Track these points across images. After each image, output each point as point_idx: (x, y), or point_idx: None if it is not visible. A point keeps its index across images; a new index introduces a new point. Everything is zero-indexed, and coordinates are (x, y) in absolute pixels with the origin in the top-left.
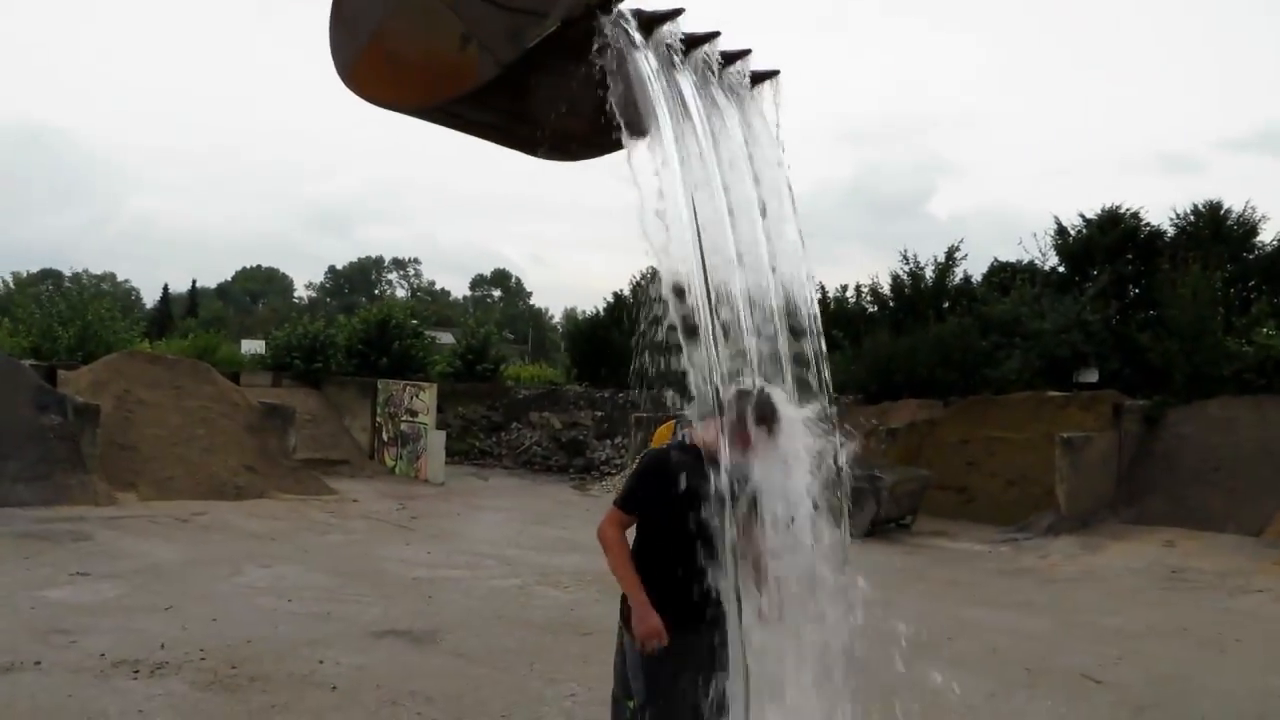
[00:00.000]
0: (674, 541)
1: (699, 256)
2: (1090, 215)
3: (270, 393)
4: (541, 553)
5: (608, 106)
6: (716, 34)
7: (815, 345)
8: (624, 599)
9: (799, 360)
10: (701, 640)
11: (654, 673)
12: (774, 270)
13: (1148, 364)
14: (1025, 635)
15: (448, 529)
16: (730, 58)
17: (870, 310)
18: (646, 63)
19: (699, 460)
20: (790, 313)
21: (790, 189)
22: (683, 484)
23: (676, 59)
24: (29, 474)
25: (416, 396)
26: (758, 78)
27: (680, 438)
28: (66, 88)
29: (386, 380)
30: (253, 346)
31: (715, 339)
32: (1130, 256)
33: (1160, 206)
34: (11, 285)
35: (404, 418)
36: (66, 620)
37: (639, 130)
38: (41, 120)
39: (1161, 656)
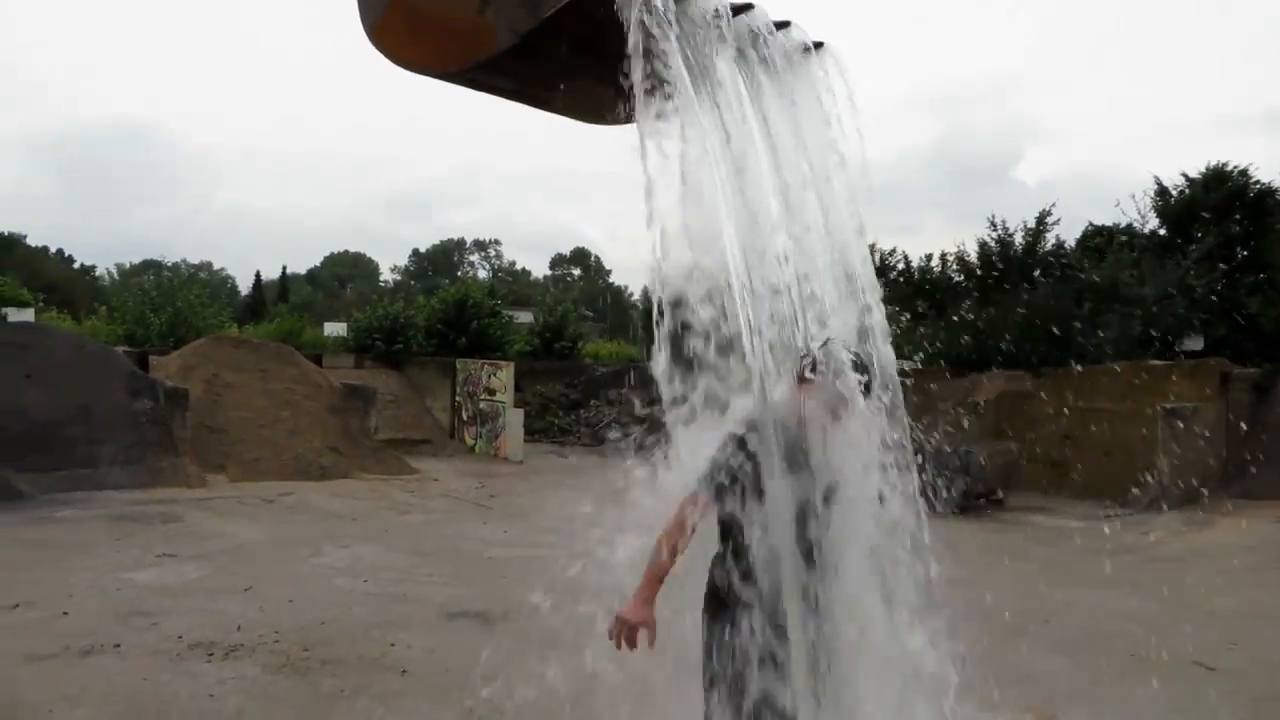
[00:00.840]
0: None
1: (733, 233)
2: (1194, 174)
3: (352, 374)
4: (620, 532)
5: (625, 78)
6: (750, 6)
7: (868, 312)
8: (706, 592)
9: (861, 335)
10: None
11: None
12: (827, 235)
13: (1258, 330)
14: (1129, 618)
15: (525, 507)
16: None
17: (956, 280)
18: (670, 36)
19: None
20: (848, 279)
21: (841, 156)
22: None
23: (710, 30)
24: (124, 457)
25: (494, 375)
26: (804, 49)
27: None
28: (157, 86)
29: (465, 360)
30: (335, 329)
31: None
32: (1238, 217)
33: (1268, 164)
34: (116, 276)
35: (482, 396)
36: (149, 602)
37: (660, 102)
38: (136, 117)
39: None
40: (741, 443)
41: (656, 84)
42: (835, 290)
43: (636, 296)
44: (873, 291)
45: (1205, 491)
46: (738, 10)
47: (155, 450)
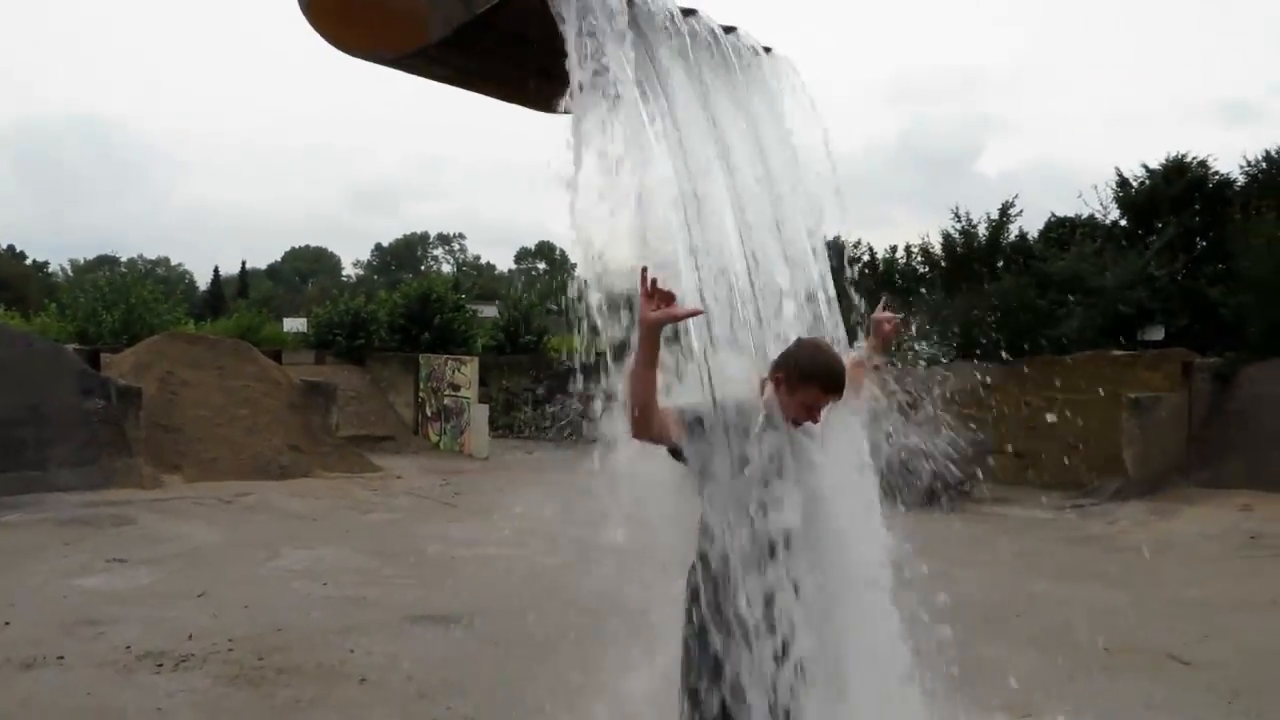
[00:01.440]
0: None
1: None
2: (1154, 165)
3: (313, 370)
4: (587, 528)
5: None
6: (694, 11)
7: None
8: (688, 584)
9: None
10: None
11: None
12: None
13: (1219, 319)
14: (1100, 610)
15: (491, 504)
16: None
17: (922, 271)
18: (611, 39)
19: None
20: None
21: (794, 152)
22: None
23: (658, 33)
24: (75, 458)
25: (459, 370)
26: (753, 52)
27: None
28: (112, 78)
29: (428, 355)
30: (296, 324)
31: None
32: (1198, 207)
33: (1227, 156)
34: (70, 273)
35: (446, 392)
36: (97, 610)
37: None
38: (90, 109)
39: (1253, 632)
40: (704, 419)
41: (599, 81)
42: (787, 283)
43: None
44: (825, 284)
45: (1170, 480)
46: (686, 13)
47: (108, 451)
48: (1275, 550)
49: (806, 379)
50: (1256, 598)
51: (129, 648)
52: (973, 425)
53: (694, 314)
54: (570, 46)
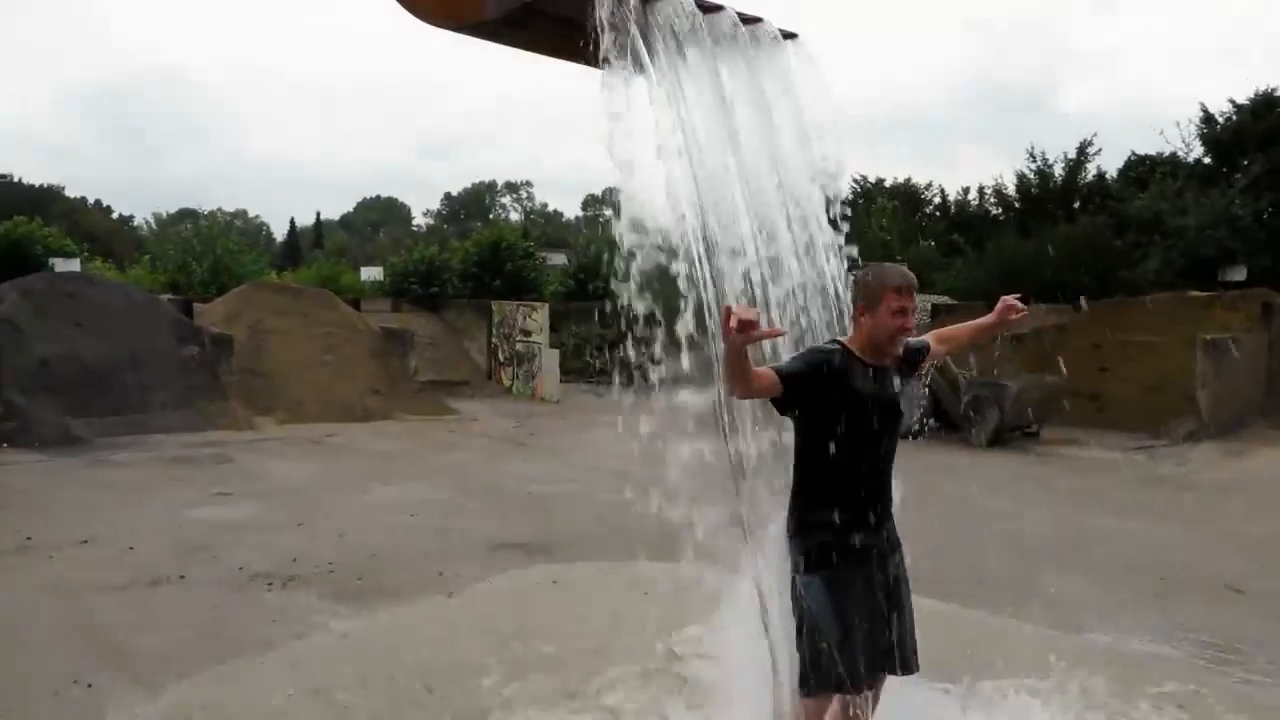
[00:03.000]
0: (851, 459)
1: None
2: (1241, 101)
3: (390, 318)
4: (655, 467)
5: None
6: (720, 7)
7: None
8: (790, 542)
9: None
10: (884, 571)
11: (844, 612)
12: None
13: None
14: (1160, 545)
15: (563, 445)
16: (746, 20)
17: (994, 213)
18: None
19: (867, 365)
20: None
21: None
22: (855, 385)
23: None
24: (174, 402)
25: (530, 317)
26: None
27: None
28: (184, 31)
29: (500, 302)
30: (372, 274)
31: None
32: None
33: None
34: (154, 226)
35: (518, 338)
36: (209, 537)
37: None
38: (166, 65)
39: None
40: (825, 353)
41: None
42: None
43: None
44: (833, 249)
45: (1246, 422)
46: (707, 10)
47: (204, 395)
48: None
49: (879, 292)
50: None
51: (241, 569)
52: (1047, 367)
53: (776, 335)
54: (604, 38)
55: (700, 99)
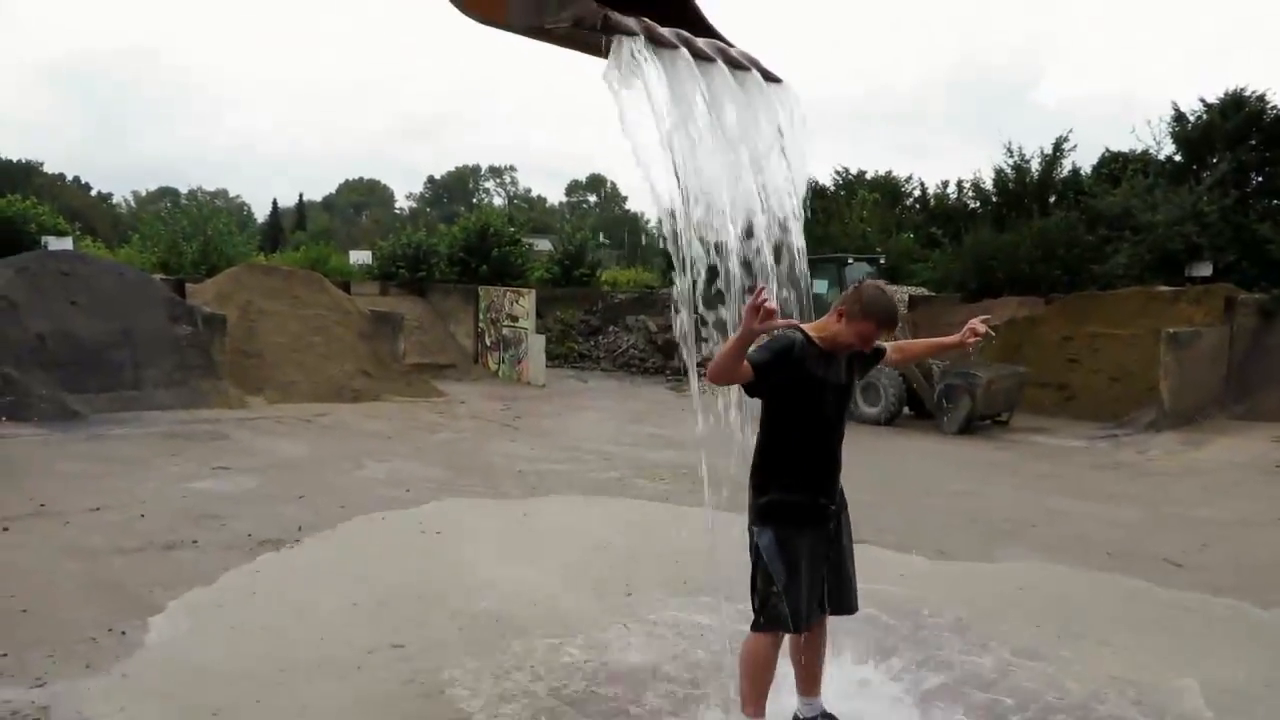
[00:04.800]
0: (806, 432)
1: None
2: (1212, 99)
3: (378, 301)
4: (638, 448)
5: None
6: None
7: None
8: (751, 501)
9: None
10: (827, 529)
11: (792, 560)
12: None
13: (1268, 256)
14: (1113, 524)
15: (549, 427)
16: (735, 66)
17: (972, 206)
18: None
19: (821, 352)
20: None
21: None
22: (811, 369)
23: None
24: (167, 380)
25: (516, 302)
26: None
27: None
28: (159, 8)
29: (487, 287)
30: (360, 257)
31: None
32: (1254, 142)
33: None
34: (133, 204)
35: (505, 323)
36: (215, 506)
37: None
38: (142, 41)
39: (1251, 544)
40: (789, 340)
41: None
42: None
43: (654, 223)
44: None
45: (1206, 413)
46: (699, 56)
47: (197, 373)
48: None
49: (866, 315)
50: (1262, 517)
51: (250, 535)
52: (1018, 358)
53: (791, 325)
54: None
55: (695, 114)
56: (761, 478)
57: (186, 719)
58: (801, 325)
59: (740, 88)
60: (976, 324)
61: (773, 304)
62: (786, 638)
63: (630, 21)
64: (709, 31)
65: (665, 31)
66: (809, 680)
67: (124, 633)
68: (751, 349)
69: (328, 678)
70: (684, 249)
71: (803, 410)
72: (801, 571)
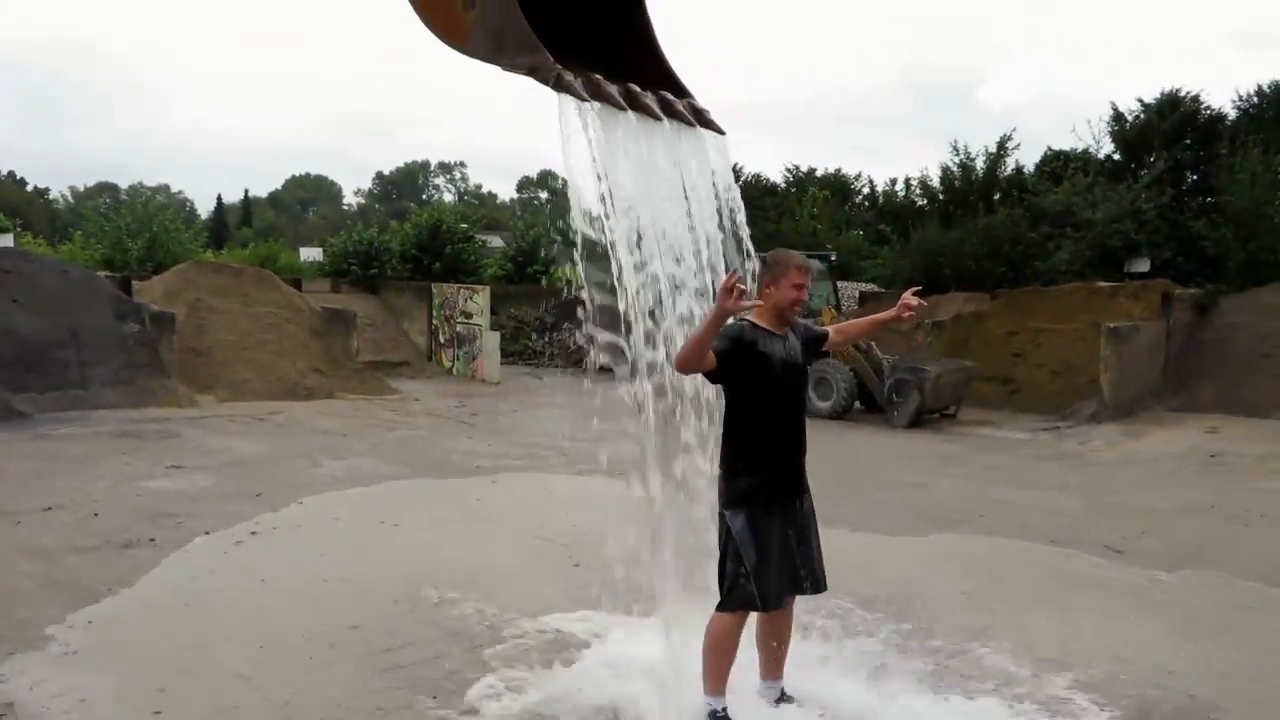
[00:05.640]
0: (767, 412)
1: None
2: (1149, 100)
3: (330, 298)
4: (596, 445)
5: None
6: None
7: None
8: (721, 486)
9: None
10: (796, 509)
11: (763, 543)
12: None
13: (1202, 252)
14: (1056, 512)
15: (506, 424)
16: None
17: (920, 204)
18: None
19: (771, 334)
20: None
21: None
22: (763, 349)
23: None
24: (115, 379)
25: (470, 299)
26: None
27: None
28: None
29: (441, 284)
30: (310, 254)
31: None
32: (1189, 142)
33: (1221, 89)
34: (71, 200)
35: (459, 320)
36: (170, 505)
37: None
38: (76, 33)
39: (1187, 530)
40: (739, 328)
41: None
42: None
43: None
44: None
45: (1144, 405)
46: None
47: (145, 372)
48: (1229, 466)
49: (782, 269)
50: (1198, 504)
51: (208, 533)
52: (964, 353)
53: (757, 305)
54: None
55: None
56: (731, 462)
57: (146, 706)
58: (745, 318)
59: (680, 140)
60: (908, 298)
61: (744, 285)
62: (756, 623)
63: (578, 86)
64: (667, 76)
65: (612, 89)
66: (773, 663)
67: (90, 622)
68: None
69: (294, 657)
70: (619, 259)
71: (764, 392)
72: (772, 553)
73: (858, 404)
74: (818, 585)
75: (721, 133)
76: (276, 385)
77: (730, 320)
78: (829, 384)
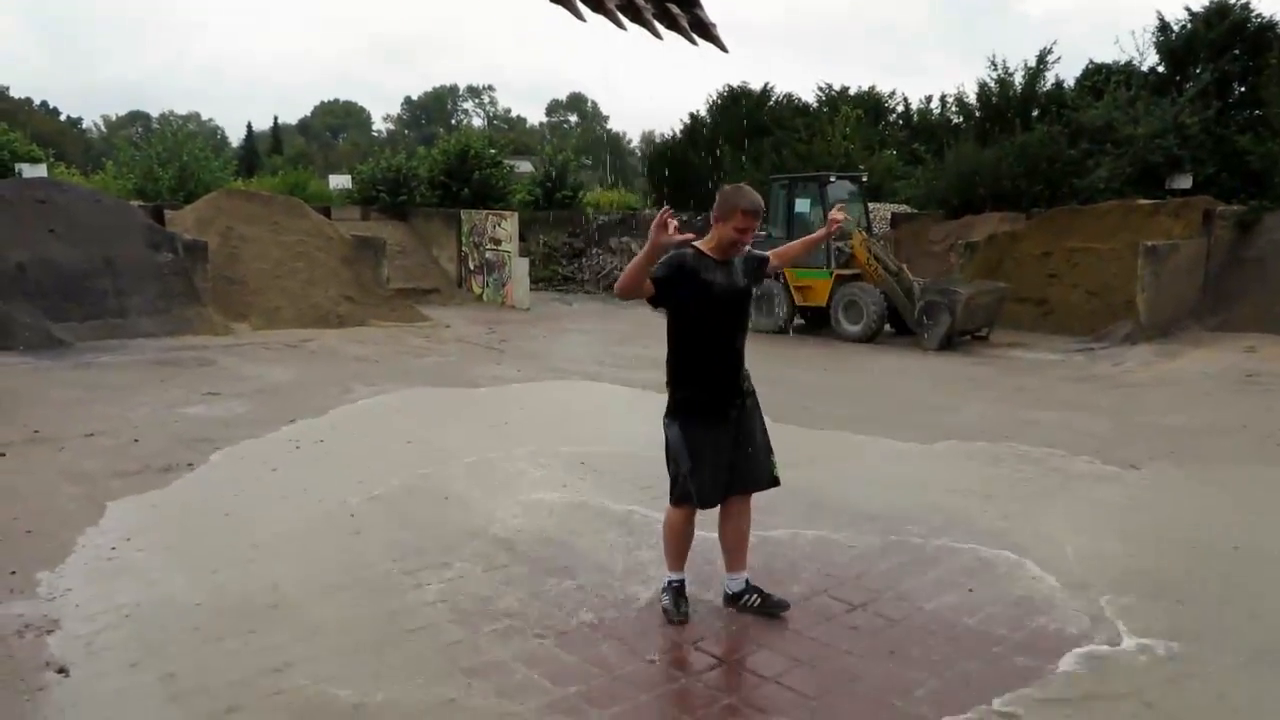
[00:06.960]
0: (702, 334)
1: None
2: (1196, 8)
3: (360, 226)
4: (622, 369)
5: None
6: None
7: None
8: (669, 400)
9: None
10: (729, 418)
11: (695, 448)
12: None
13: (1247, 167)
14: (1083, 432)
15: (535, 350)
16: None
17: (956, 122)
18: None
19: (717, 263)
20: None
21: None
22: (704, 277)
23: None
24: (151, 308)
25: (499, 225)
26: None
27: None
28: None
29: (470, 210)
30: (339, 181)
31: None
32: (1237, 52)
33: None
34: (103, 129)
35: (488, 246)
36: (207, 430)
37: None
38: None
39: (1213, 449)
40: (680, 255)
41: None
42: None
43: (636, 143)
44: None
45: (1182, 325)
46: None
47: (180, 300)
48: (1265, 386)
49: (730, 208)
50: (1227, 423)
51: (244, 458)
52: (998, 273)
53: (687, 239)
54: None
55: None
56: (671, 378)
57: (188, 622)
58: (694, 242)
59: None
60: (835, 213)
61: (674, 221)
62: (714, 520)
63: (576, 1)
64: None
65: (611, 5)
66: (733, 555)
67: (126, 542)
68: (652, 268)
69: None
70: None
71: (700, 317)
72: (705, 459)
73: (888, 327)
74: (758, 484)
75: (725, 50)
76: (309, 313)
77: (673, 250)
78: (859, 307)
